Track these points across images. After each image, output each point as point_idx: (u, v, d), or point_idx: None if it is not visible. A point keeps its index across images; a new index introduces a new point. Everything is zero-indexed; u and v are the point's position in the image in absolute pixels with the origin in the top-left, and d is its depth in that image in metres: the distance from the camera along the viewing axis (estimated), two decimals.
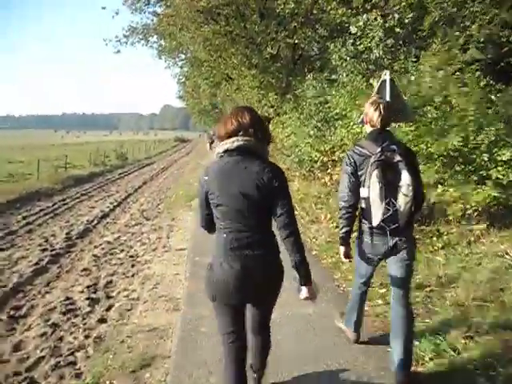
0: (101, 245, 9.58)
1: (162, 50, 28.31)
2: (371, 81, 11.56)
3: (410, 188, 3.50)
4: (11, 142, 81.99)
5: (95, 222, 12.15)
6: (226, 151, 2.94)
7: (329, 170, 13.83)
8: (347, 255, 3.95)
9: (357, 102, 12.00)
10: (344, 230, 3.85)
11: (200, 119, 65.00)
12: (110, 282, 7.12)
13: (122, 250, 9.07)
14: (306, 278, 2.96)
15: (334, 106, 13.01)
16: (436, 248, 7.16)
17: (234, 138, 2.90)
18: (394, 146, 3.62)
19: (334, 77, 14.40)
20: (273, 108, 18.53)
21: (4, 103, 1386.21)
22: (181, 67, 33.74)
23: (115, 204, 15.27)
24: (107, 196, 17.46)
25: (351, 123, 12.35)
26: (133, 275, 7.38)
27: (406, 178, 3.52)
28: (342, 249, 3.94)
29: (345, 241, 3.89)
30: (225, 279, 2.95)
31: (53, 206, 14.93)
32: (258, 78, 18.40)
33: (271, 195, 2.88)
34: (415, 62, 11.57)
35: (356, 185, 3.75)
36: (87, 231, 11.02)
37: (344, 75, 13.65)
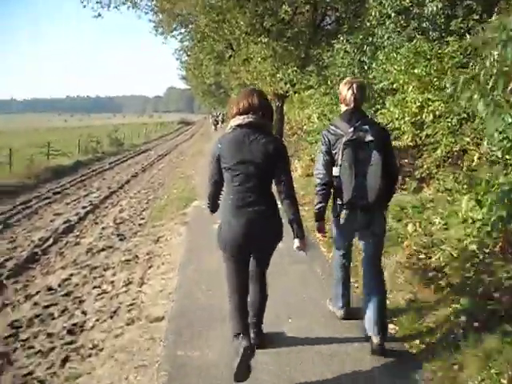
0: (36, 294, 6.06)
1: (158, 23, 24.61)
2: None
3: (379, 167, 3.68)
4: (9, 126, 78.91)
5: (50, 241, 8.63)
6: (238, 125, 3.50)
7: None
8: (321, 229, 4.11)
9: (415, 71, 8.50)
10: (318, 206, 4.02)
11: (204, 100, 60.97)
12: None
13: (64, 311, 5.47)
14: (298, 232, 3.57)
15: (380, 78, 9.42)
16: None
17: (245, 116, 3.48)
18: (367, 126, 3.79)
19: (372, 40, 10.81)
20: (290, 83, 14.85)
21: (7, 87, 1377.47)
22: (181, 41, 29.67)
23: (89, 209, 11.74)
24: (84, 195, 13.91)
25: (407, 99, 8.84)
26: None
27: (376, 157, 3.69)
28: (316, 224, 4.11)
29: (319, 216, 4.06)
30: (233, 233, 3.51)
31: (9, 211, 11.42)
32: (270, 46, 14.68)
33: (274, 163, 3.49)
34: (478, 20, 8.04)
35: (330, 163, 3.92)
36: (30, 262, 7.48)
37: (386, 37, 10.05)
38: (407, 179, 9.72)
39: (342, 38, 11.09)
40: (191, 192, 12.07)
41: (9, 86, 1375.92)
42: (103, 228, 9.63)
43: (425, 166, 8.89)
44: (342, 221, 3.97)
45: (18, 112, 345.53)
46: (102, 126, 69.23)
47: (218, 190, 3.68)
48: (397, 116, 8.89)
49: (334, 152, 3.87)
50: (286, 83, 15.01)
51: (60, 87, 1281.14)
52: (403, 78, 8.63)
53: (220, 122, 49.74)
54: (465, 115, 7.85)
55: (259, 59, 15.18)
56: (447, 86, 7.93)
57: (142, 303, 5.45)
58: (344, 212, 3.92)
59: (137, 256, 7.41)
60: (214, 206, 3.79)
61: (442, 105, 8.11)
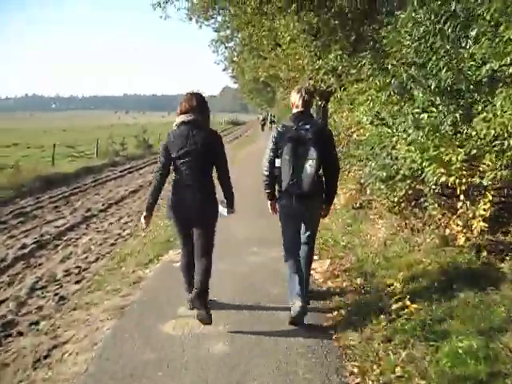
0: None
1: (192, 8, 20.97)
2: None
3: (314, 162, 4.22)
4: (56, 124, 77.83)
5: None
6: (182, 123, 4.27)
7: (462, 207, 6.03)
8: (272, 207, 4.80)
9: None
10: (267, 191, 4.69)
11: (251, 99, 56.46)
12: None
13: None
14: (229, 205, 4.51)
15: (484, 55, 5.25)
16: None
17: (188, 115, 4.27)
18: (308, 126, 4.34)
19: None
20: (334, 73, 10.70)
21: (68, 84, 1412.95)
22: (217, 30, 25.78)
23: (26, 251, 8.02)
24: (46, 222, 10.26)
25: None
26: None
27: (312, 153, 4.23)
28: (269, 202, 4.80)
29: (269, 197, 4.73)
30: (176, 206, 4.34)
31: None
32: (303, 19, 10.50)
33: (212, 152, 4.30)
34: None
35: (274, 158, 4.46)
36: None
37: None
38: None
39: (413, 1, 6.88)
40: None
41: (69, 84, 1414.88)
42: (1, 302, 5.84)
43: None
44: (281, 207, 4.61)
45: (77, 109, 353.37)
46: (151, 124, 67.06)
47: (164, 179, 4.35)
48: None
49: (279, 147, 4.40)
50: (327, 73, 10.87)
51: (118, 85, 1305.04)
52: None
53: (268, 123, 47.52)
54: None
55: (288, 38, 11.06)
56: None
57: None
58: (283, 198, 4.52)
59: None
60: (153, 202, 4.39)
61: None
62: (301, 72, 12.77)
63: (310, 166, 4.22)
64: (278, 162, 4.40)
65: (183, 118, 4.26)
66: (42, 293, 6.13)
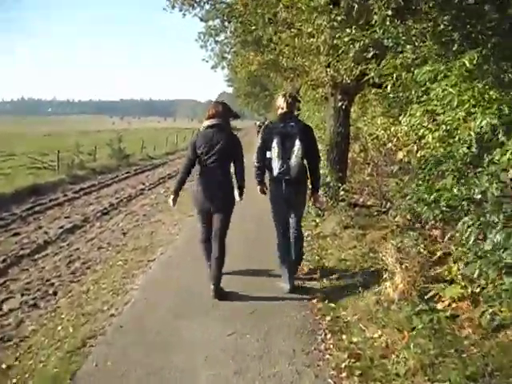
0: None
1: None
2: None
3: (300, 152, 5.21)
4: (44, 129, 73.29)
5: None
6: (208, 126, 5.18)
7: None
8: (262, 190, 5.73)
9: None
10: (258, 179, 5.67)
11: (247, 103, 51.63)
12: None
13: None
14: (239, 192, 5.28)
15: None
16: None
17: (213, 119, 5.20)
18: (293, 123, 5.32)
19: None
20: (379, 49, 6.41)
21: (65, 89, 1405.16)
22: (203, 20, 21.48)
23: None
24: None
25: None
26: None
27: (297, 144, 5.20)
28: (258, 187, 5.72)
29: (259, 183, 5.70)
30: (198, 195, 5.24)
31: None
32: None
33: (231, 151, 5.22)
34: None
35: (264, 151, 5.41)
36: None
37: None
38: None
39: None
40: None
41: (67, 88, 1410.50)
42: None
43: None
44: (272, 191, 5.55)
45: (73, 113, 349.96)
46: (144, 130, 62.91)
47: (189, 169, 5.30)
48: None
49: (268, 142, 5.31)
50: (366, 51, 6.57)
51: (115, 90, 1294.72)
52: None
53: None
54: None
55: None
56: None
57: None
58: (273, 184, 5.50)
59: None
60: (179, 187, 5.28)
61: None
62: (313, 56, 8.55)
63: (296, 156, 5.21)
64: (268, 154, 5.35)
65: (209, 122, 5.22)
66: None
